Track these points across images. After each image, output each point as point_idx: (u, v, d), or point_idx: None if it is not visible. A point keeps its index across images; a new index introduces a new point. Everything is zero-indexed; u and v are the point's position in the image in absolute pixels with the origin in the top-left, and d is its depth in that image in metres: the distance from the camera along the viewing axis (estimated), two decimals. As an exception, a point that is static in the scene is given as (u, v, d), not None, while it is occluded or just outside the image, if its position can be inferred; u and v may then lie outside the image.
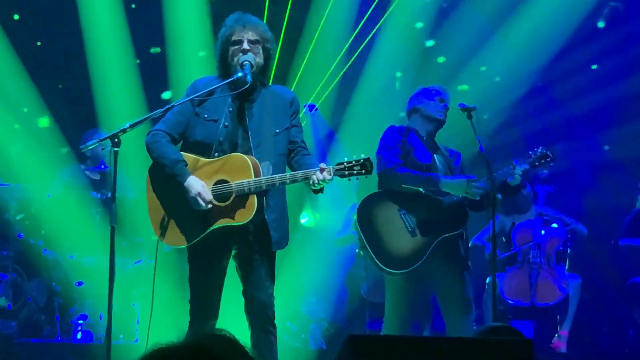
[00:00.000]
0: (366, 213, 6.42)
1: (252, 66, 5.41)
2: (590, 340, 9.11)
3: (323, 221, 9.84)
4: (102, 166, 8.98)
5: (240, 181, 5.29)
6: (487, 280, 8.49)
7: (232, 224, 5.33)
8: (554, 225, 8.89)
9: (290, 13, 9.88)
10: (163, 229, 5.44)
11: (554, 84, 10.09)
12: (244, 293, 5.47)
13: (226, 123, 5.43)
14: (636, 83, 9.73)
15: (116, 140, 5.25)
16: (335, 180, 5.25)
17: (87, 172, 9.11)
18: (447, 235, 6.18)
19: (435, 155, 6.47)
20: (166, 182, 5.41)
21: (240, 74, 5.39)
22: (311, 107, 9.94)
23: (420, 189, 6.26)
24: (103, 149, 8.54)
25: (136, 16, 9.90)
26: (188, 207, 5.37)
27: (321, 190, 5.29)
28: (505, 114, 9.99)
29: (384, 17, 9.97)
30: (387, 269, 6.32)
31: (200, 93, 5.45)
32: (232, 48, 5.47)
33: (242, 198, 5.31)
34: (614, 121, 9.77)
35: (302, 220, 9.85)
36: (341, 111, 10.35)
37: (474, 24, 9.92)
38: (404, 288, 6.30)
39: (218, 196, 5.35)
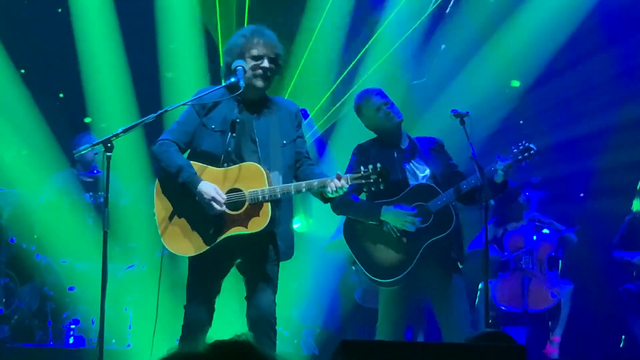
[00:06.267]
0: (352, 227, 6.35)
1: (245, 71, 5.42)
2: (583, 346, 9.11)
3: (316, 226, 9.82)
4: (95, 171, 8.95)
5: (255, 189, 5.30)
6: (480, 286, 8.49)
7: (246, 232, 5.32)
8: (545, 230, 8.89)
9: (286, 18, 9.91)
10: (173, 238, 5.41)
11: (550, 86, 10.08)
12: (248, 298, 5.46)
13: (234, 134, 5.43)
14: (633, 87, 9.73)
15: (109, 145, 5.24)
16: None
17: (79, 176, 9.09)
18: (434, 239, 6.14)
19: (406, 166, 6.30)
20: (176, 190, 5.39)
21: (233, 79, 5.40)
22: (303, 112, 9.92)
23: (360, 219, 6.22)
24: (96, 153, 8.65)
25: (128, 19, 9.89)
26: (199, 215, 5.35)
27: (333, 198, 5.35)
28: (499, 120, 9.99)
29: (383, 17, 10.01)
30: (379, 280, 6.26)
31: (197, 97, 5.46)
32: (253, 63, 5.46)
33: (255, 207, 5.30)
34: (610, 126, 9.77)
35: (295, 226, 9.83)
36: (333, 118, 10.35)
37: (470, 26, 9.92)
38: (395, 294, 6.26)
39: (231, 204, 5.33)
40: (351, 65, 10.18)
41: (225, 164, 5.39)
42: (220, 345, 2.19)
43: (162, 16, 9.83)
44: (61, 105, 10.36)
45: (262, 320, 5.39)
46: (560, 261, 9.08)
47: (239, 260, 5.47)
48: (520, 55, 9.86)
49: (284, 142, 5.49)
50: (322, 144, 10.13)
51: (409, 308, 6.35)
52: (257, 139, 5.43)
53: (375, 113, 6.36)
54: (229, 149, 5.40)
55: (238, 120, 5.45)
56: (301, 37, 10.09)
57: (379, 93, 6.42)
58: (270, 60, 5.48)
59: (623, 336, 8.84)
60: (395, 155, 6.31)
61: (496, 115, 9.92)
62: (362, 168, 5.28)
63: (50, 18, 10.16)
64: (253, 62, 5.46)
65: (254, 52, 5.46)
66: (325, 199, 5.41)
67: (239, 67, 5.41)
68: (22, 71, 9.97)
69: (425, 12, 9.98)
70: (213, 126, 5.45)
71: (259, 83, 5.48)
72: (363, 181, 5.27)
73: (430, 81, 9.84)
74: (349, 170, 6.21)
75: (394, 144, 6.37)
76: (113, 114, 9.54)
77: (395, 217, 6.15)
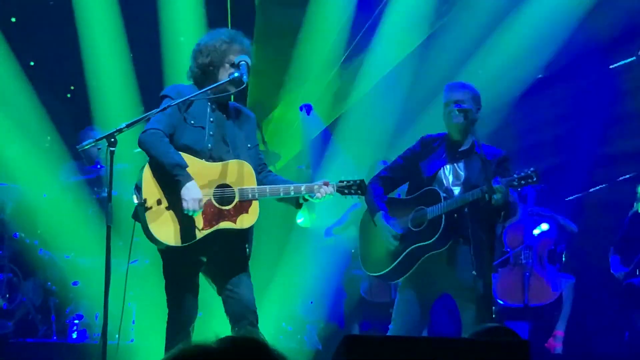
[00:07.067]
0: (366, 218, 6.51)
1: (248, 66, 5.43)
2: (586, 340, 9.09)
3: (319, 221, 9.82)
4: (98, 166, 8.95)
5: (245, 187, 5.39)
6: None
7: (234, 227, 5.39)
8: (545, 226, 8.87)
9: (288, 12, 9.91)
10: (161, 225, 5.37)
11: (550, 80, 10.06)
12: (223, 293, 5.47)
13: (211, 132, 5.49)
14: (633, 79, 9.72)
15: (112, 140, 5.24)
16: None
17: (84, 171, 9.09)
18: (419, 244, 6.15)
19: (447, 165, 6.28)
20: (167, 178, 5.37)
21: (236, 74, 5.40)
22: (307, 107, 9.94)
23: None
24: (99, 148, 8.64)
25: (132, 14, 9.89)
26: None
27: (301, 206, 5.60)
28: (502, 114, 9.97)
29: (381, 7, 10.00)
30: (365, 270, 6.54)
31: (188, 96, 5.45)
32: (231, 70, 5.48)
33: (243, 204, 5.41)
34: (610, 117, 9.76)
35: (298, 221, 9.84)
36: (338, 110, 10.36)
37: (471, 24, 9.91)
38: (415, 296, 6.27)
39: (220, 199, 5.40)
40: (349, 50, 10.18)
41: (204, 159, 5.44)
42: (231, 341, 2.18)
43: (167, 10, 9.83)
44: (65, 100, 10.36)
45: (244, 309, 5.41)
46: (563, 255, 9.08)
47: (207, 258, 5.48)
48: (522, 51, 9.85)
49: (249, 145, 5.61)
50: (327, 137, 10.16)
51: (425, 309, 6.33)
52: (228, 140, 5.51)
53: (444, 108, 6.31)
54: (209, 145, 5.46)
55: (212, 119, 5.52)
56: (305, 30, 10.08)
57: (458, 89, 6.31)
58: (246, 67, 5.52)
59: (627, 332, 8.83)
60: (444, 155, 6.29)
61: (497, 111, 9.91)
62: (345, 179, 5.63)
63: (52, 10, 10.16)
64: (231, 69, 5.49)
65: (231, 56, 5.50)
66: (298, 204, 5.59)
67: (243, 62, 5.42)
68: (32, 63, 9.98)
69: (430, 8, 9.98)
70: (192, 122, 5.48)
71: (233, 89, 5.54)
72: (346, 190, 5.61)
73: (434, 76, 9.82)
74: (403, 154, 6.41)
75: (453, 144, 6.30)
76: (117, 109, 9.54)
77: (381, 229, 6.28)
